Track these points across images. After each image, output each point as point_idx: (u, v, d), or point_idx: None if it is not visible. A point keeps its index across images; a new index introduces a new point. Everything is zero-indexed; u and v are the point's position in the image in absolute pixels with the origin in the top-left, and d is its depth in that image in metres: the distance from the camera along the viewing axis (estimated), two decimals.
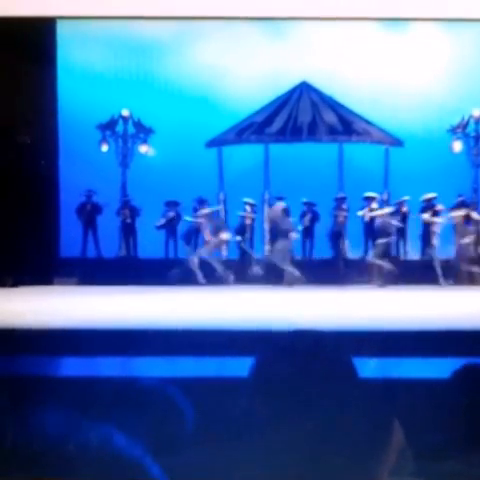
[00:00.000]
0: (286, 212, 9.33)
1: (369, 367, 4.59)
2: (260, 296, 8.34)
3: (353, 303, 7.90)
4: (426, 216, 9.18)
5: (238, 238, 9.30)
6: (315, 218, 9.57)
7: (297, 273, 8.79)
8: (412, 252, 9.58)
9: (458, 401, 3.39)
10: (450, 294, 8.47)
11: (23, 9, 4.34)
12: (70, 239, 9.07)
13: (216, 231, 9.29)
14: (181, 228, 9.48)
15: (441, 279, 8.87)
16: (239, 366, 3.56)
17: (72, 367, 5.17)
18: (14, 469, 2.71)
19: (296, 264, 9.17)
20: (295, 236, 9.13)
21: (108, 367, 5.08)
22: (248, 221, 9.48)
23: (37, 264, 8.63)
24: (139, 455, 2.70)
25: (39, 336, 5.44)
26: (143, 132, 9.68)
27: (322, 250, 9.44)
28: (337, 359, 3.39)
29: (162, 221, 9.45)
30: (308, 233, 9.58)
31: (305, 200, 9.46)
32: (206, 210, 9.31)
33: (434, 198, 9.28)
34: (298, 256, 9.46)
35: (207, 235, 9.39)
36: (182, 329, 5.55)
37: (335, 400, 3.20)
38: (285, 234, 9.01)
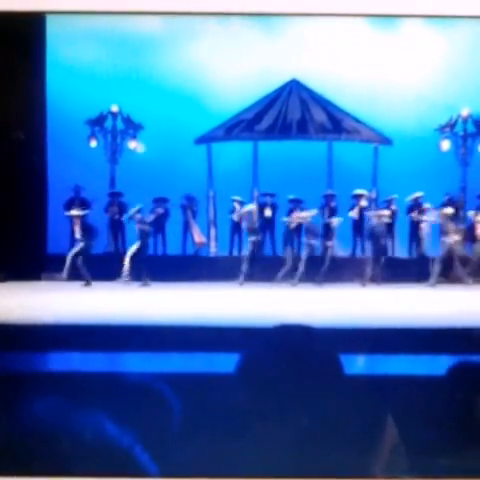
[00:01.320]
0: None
1: (364, 364, 4.60)
2: (249, 293, 8.35)
3: (342, 300, 7.92)
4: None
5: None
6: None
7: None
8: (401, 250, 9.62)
9: (452, 398, 3.40)
10: (442, 292, 8.52)
11: (12, 4, 4.32)
12: (58, 235, 9.03)
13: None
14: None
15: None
16: (227, 362, 3.56)
17: (60, 362, 5.16)
18: (8, 464, 2.70)
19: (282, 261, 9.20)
20: None
21: (96, 362, 5.08)
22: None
23: (24, 260, 8.60)
24: (129, 444, 2.70)
25: (26, 331, 5.42)
26: (132, 128, 9.66)
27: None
28: (324, 355, 3.39)
29: (150, 217, 9.43)
30: (295, 230, 9.58)
31: (291, 197, 9.47)
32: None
33: (421, 197, 9.32)
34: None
35: (197, 235, 9.40)
36: (170, 325, 5.55)
37: (323, 396, 3.20)
38: None
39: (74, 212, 8.80)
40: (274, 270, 8.95)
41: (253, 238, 9.09)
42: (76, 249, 8.79)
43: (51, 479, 2.88)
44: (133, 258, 8.83)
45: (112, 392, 3.32)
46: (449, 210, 9.21)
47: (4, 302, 6.39)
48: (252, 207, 9.25)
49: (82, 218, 8.93)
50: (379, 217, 9.32)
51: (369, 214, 9.42)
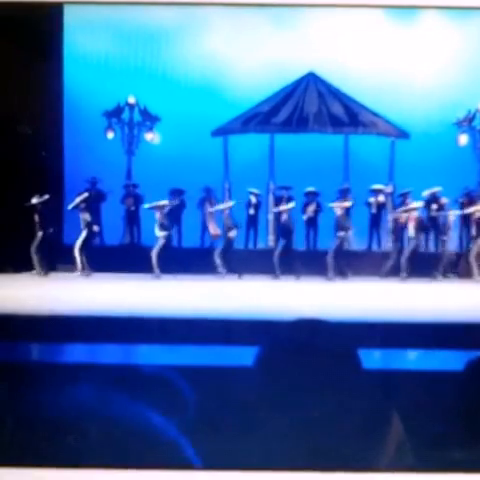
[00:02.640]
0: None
1: (381, 358, 4.60)
2: (265, 286, 8.36)
3: (358, 294, 7.91)
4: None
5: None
6: (319, 208, 9.56)
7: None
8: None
9: (471, 393, 3.39)
10: (456, 287, 8.51)
11: None
12: (73, 226, 9.06)
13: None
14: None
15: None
16: (245, 355, 3.56)
17: (74, 354, 5.18)
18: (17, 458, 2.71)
19: (299, 255, 9.17)
20: None
21: (111, 354, 5.09)
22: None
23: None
24: (175, 436, 2.69)
25: (41, 323, 5.45)
26: (149, 120, 9.66)
27: (326, 241, 9.42)
28: (341, 349, 3.39)
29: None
30: (312, 223, 9.57)
31: (308, 190, 9.44)
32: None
33: (438, 191, 9.28)
34: (302, 247, 9.47)
35: (212, 228, 9.40)
36: (184, 317, 5.57)
37: (339, 390, 3.20)
38: None
39: (34, 200, 8.66)
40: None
41: (164, 233, 9.06)
42: (38, 239, 8.76)
43: (99, 470, 2.90)
44: (82, 248, 8.83)
45: (124, 384, 3.32)
46: (347, 203, 9.21)
47: (19, 293, 6.44)
48: (165, 202, 9.19)
49: (42, 206, 8.79)
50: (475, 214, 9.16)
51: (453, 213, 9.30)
